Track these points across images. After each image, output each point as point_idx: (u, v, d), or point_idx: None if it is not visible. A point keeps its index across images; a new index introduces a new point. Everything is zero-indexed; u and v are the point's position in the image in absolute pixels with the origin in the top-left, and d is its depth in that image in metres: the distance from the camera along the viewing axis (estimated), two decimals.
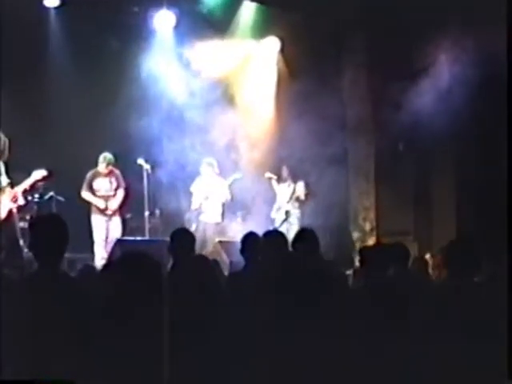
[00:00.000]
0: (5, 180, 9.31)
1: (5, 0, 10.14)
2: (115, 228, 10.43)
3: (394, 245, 6.71)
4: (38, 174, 9.53)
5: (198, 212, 11.56)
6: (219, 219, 11.61)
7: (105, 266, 4.19)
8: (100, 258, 9.95)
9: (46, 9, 11.31)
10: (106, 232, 10.33)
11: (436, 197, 12.88)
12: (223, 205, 11.62)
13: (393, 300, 5.11)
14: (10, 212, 9.23)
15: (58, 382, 3.62)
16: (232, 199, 11.67)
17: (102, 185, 10.44)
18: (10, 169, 9.42)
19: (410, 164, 12.93)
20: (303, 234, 5.60)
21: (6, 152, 9.28)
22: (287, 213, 12.01)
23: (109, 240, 10.27)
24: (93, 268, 6.68)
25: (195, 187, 11.60)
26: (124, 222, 10.70)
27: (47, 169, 9.59)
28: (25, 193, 9.56)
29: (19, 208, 9.40)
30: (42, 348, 3.69)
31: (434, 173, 12.92)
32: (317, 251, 5.40)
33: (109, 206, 10.42)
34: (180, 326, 3.98)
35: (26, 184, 9.51)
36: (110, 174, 10.46)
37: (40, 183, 9.86)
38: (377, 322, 4.83)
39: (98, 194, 10.41)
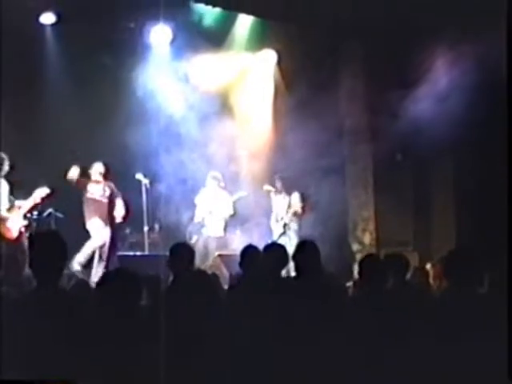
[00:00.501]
0: (10, 200, 9.32)
1: (1, 17, 10.18)
2: (108, 236, 10.32)
3: (393, 255, 6.68)
4: (41, 192, 9.52)
5: (201, 225, 11.56)
6: (221, 233, 11.63)
7: (101, 281, 4.17)
8: (96, 266, 9.91)
9: (42, 25, 11.32)
10: (102, 240, 10.26)
11: (435, 206, 12.86)
12: (226, 219, 11.65)
13: (393, 311, 5.10)
14: (20, 231, 9.25)
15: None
16: (234, 213, 11.69)
17: (96, 189, 10.38)
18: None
19: (408, 174, 12.92)
20: (304, 245, 5.58)
21: (5, 167, 9.28)
22: (285, 226, 11.96)
23: (104, 249, 10.21)
24: (88, 284, 6.64)
25: (199, 200, 11.61)
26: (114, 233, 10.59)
27: (48, 186, 9.60)
28: (30, 211, 9.57)
29: (26, 227, 9.41)
30: (41, 367, 3.68)
31: (433, 182, 12.91)
32: (318, 263, 5.38)
33: (116, 214, 10.41)
34: (178, 340, 3.96)
35: (31, 203, 9.49)
36: (100, 182, 10.41)
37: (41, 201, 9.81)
38: (377, 334, 4.81)
39: (91, 196, 10.35)
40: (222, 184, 11.65)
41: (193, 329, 4.07)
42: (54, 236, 4.29)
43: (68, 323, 3.82)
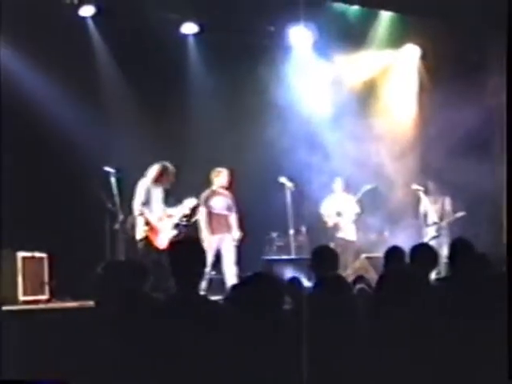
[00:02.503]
0: (164, 208, 9.43)
1: (145, 31, 10.49)
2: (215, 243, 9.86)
3: None
4: (190, 203, 9.56)
5: (335, 229, 11.54)
6: (354, 237, 11.61)
7: (241, 285, 4.14)
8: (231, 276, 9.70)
9: (184, 35, 11.56)
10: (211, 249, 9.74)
11: None
12: (355, 221, 11.63)
13: None
14: (170, 240, 9.23)
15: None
16: (371, 212, 11.63)
17: (218, 202, 10.07)
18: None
19: None
20: (459, 245, 5.39)
21: (171, 179, 9.43)
22: (439, 230, 11.50)
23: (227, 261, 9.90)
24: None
25: (327, 204, 11.63)
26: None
27: (195, 194, 9.67)
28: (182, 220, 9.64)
29: (176, 236, 9.37)
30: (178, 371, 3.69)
31: None
32: (473, 261, 5.16)
33: (233, 237, 10.00)
34: (320, 343, 3.86)
35: (180, 213, 9.54)
36: (222, 194, 10.16)
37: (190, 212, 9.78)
38: None
39: (214, 211, 9.99)
40: (343, 186, 11.63)
41: (335, 332, 3.96)
42: (194, 243, 4.36)
43: (207, 327, 3.81)
